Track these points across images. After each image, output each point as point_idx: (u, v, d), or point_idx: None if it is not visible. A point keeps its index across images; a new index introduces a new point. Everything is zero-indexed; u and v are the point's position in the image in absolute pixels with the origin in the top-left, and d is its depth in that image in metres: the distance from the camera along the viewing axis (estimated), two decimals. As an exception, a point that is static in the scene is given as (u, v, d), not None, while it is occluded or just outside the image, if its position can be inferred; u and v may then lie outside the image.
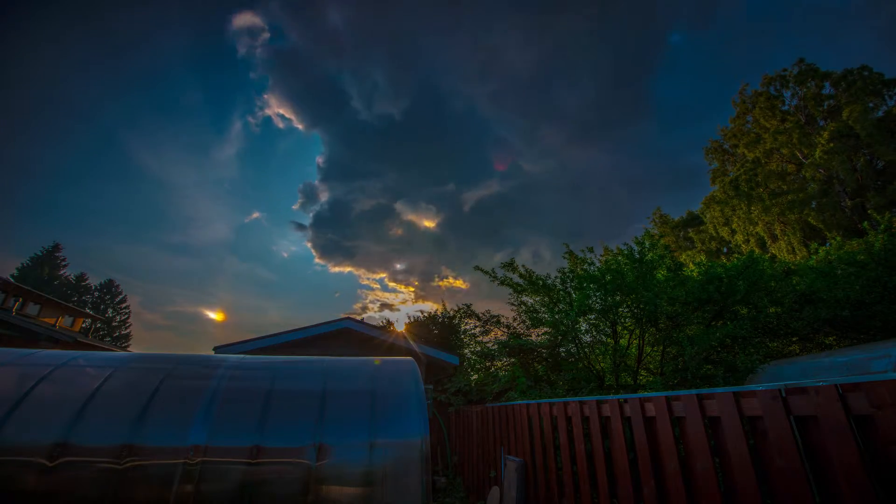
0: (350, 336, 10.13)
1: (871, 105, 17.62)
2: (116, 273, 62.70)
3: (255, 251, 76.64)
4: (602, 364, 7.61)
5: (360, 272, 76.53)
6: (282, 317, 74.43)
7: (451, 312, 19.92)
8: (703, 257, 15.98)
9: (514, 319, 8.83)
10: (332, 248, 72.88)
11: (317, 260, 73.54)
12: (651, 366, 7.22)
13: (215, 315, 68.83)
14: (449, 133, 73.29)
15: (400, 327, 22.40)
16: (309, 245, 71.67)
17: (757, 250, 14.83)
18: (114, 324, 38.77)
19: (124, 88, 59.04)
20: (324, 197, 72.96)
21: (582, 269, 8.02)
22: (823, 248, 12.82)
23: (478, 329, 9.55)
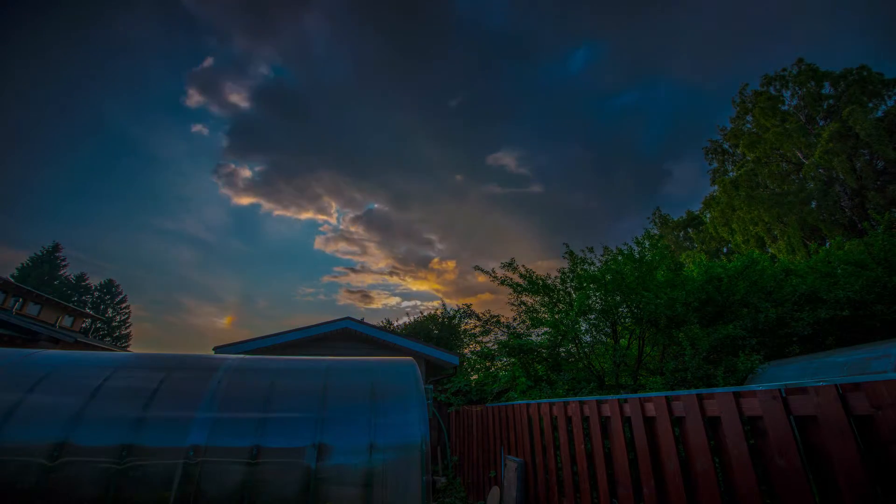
0: (350, 336, 10.14)
1: (870, 105, 17.63)
2: (97, 260, 55.93)
3: (246, 238, 66.90)
4: (602, 364, 7.61)
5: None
6: (271, 306, 65.55)
7: (452, 312, 19.97)
8: (703, 257, 15.94)
9: (514, 319, 8.83)
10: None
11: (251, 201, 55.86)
12: (651, 366, 7.22)
13: (211, 310, 64.72)
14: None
15: (400, 326, 22.45)
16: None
17: (756, 250, 14.83)
18: (114, 324, 38.77)
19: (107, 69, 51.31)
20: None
21: (582, 269, 8.02)
22: (823, 248, 12.82)
23: (478, 329, 9.55)
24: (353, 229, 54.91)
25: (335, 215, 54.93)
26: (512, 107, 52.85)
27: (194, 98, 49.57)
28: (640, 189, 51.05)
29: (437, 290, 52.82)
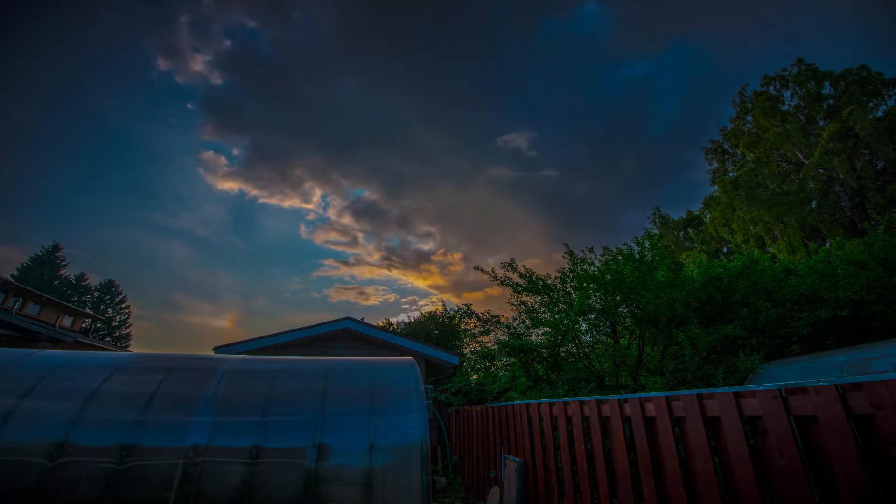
0: (350, 336, 10.14)
1: (870, 105, 17.62)
2: (97, 259, 53.73)
3: (240, 232, 62.84)
4: (602, 364, 7.61)
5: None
6: (268, 304, 62.34)
7: (452, 312, 19.99)
8: (703, 257, 15.95)
9: (514, 319, 8.83)
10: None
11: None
12: (651, 366, 7.22)
13: (209, 309, 62.65)
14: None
15: (401, 327, 22.46)
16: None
17: (757, 250, 14.84)
18: (114, 324, 38.77)
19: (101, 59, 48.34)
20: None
21: (582, 270, 8.02)
22: (823, 248, 12.83)
23: (478, 329, 9.55)
24: (345, 221, 52.46)
25: (327, 205, 52.74)
26: (517, 84, 48.13)
27: (165, 67, 46.11)
28: (657, 177, 48.05)
29: (441, 285, 50.26)
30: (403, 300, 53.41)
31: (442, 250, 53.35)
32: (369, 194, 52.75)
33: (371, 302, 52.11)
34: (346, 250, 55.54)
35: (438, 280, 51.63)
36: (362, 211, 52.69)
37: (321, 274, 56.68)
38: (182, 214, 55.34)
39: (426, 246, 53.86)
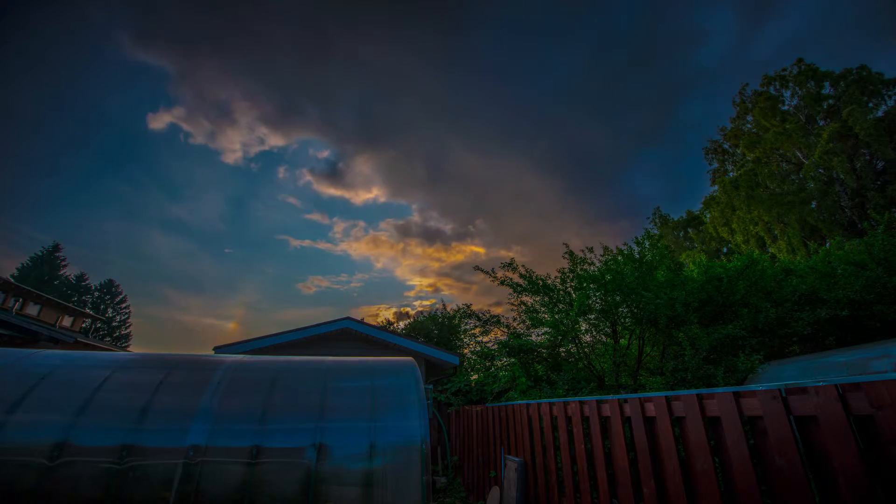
0: (350, 336, 10.14)
1: (870, 105, 17.63)
2: (95, 254, 52.60)
3: (235, 227, 60.43)
4: (602, 364, 7.61)
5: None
6: (263, 299, 60.45)
7: (451, 312, 19.98)
8: (703, 257, 15.95)
9: (514, 319, 8.83)
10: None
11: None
12: (651, 366, 7.22)
13: (207, 308, 61.57)
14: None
15: (401, 327, 22.46)
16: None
17: (757, 250, 14.86)
18: (114, 324, 38.76)
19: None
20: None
21: (582, 269, 8.01)
22: (823, 248, 12.83)
23: (478, 329, 9.54)
24: (341, 193, 48.12)
25: (320, 182, 49.00)
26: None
27: None
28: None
29: (446, 265, 46.63)
30: (406, 283, 51.46)
31: (451, 229, 47.37)
32: (365, 158, 45.07)
33: (369, 294, 50.69)
34: (333, 230, 51.91)
35: (452, 255, 47.01)
36: (336, 179, 47.14)
37: (320, 265, 55.12)
38: (158, 195, 53.11)
39: (431, 222, 48.64)
